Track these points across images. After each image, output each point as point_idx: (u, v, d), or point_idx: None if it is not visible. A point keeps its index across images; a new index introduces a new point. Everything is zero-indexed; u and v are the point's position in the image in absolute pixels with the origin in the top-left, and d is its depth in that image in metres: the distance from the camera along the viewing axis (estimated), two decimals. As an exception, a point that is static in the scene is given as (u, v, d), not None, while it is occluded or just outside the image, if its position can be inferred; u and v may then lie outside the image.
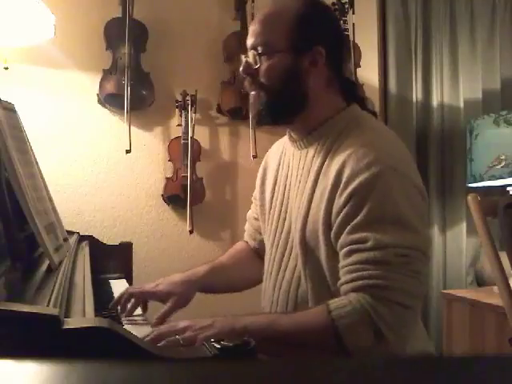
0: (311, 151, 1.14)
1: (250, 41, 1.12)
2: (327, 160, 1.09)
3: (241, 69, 1.13)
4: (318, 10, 1.14)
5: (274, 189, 1.25)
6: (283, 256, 1.18)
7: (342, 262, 1.01)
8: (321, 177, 1.09)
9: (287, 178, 1.21)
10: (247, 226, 1.43)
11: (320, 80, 1.11)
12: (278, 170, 1.26)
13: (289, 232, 1.16)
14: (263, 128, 2.59)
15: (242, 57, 1.14)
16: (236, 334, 0.93)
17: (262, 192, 1.31)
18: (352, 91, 1.19)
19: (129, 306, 1.18)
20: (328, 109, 1.13)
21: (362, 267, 0.97)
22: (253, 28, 1.12)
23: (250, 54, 1.11)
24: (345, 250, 1.00)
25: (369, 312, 0.94)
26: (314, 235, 1.08)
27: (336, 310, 0.95)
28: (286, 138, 1.26)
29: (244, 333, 0.94)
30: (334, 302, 0.97)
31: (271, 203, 1.25)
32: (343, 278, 1.00)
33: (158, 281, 1.23)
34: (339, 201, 1.02)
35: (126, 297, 1.19)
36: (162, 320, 1.14)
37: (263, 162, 1.36)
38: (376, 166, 0.99)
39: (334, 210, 1.03)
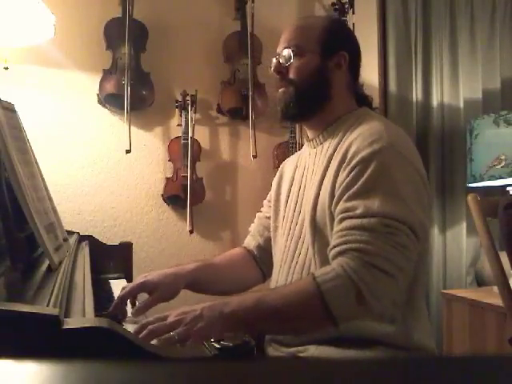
0: (325, 146, 1.22)
1: (281, 46, 1.25)
2: (338, 147, 1.17)
3: (272, 68, 1.25)
4: (342, 25, 1.34)
5: (290, 189, 1.32)
6: (297, 245, 1.23)
7: (334, 229, 1.07)
8: (332, 162, 1.16)
9: (303, 177, 1.28)
10: (255, 225, 1.46)
11: (342, 81, 1.24)
12: (294, 172, 1.34)
13: (303, 222, 1.21)
14: (263, 128, 2.59)
15: (273, 59, 1.26)
16: (226, 318, 0.95)
17: (278, 194, 1.38)
18: (363, 100, 1.30)
19: (127, 308, 1.18)
20: (343, 108, 1.24)
21: (348, 232, 1.02)
22: (285, 35, 1.25)
23: (284, 52, 1.23)
24: (338, 217, 1.07)
25: (350, 275, 0.97)
26: (322, 214, 1.14)
27: (320, 277, 0.99)
28: (301, 150, 1.37)
29: (233, 316, 0.96)
30: (319, 271, 1.03)
31: (287, 201, 1.31)
32: (332, 243, 1.06)
33: (147, 273, 1.23)
34: (342, 174, 1.09)
35: (120, 302, 1.17)
36: (143, 311, 1.14)
37: (279, 170, 1.45)
38: (378, 144, 1.07)
39: (338, 183, 1.10)
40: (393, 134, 1.12)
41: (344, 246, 1.01)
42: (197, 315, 0.95)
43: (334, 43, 1.22)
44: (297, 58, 1.21)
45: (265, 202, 1.46)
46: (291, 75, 1.22)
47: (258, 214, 1.47)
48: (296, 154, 1.44)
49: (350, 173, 1.08)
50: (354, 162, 1.08)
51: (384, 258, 0.98)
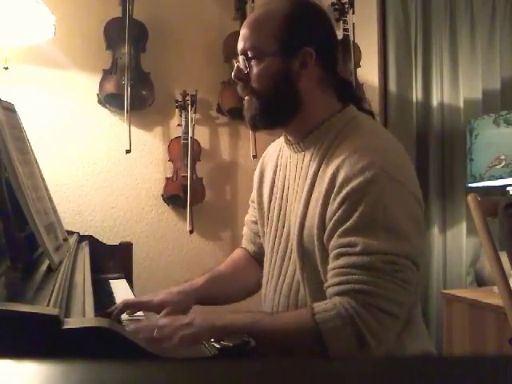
0: (308, 155, 1.13)
1: (240, 45, 1.11)
2: (323, 164, 1.08)
3: (232, 74, 1.12)
4: (307, 10, 1.12)
5: (271, 192, 1.24)
6: (283, 260, 1.17)
7: (330, 265, 1.01)
8: (317, 181, 1.08)
9: (285, 181, 1.20)
10: (245, 231, 1.40)
11: (312, 81, 1.10)
12: (275, 172, 1.25)
13: (288, 236, 1.15)
14: (263, 128, 2.59)
15: (234, 62, 1.13)
16: (216, 332, 0.92)
17: (260, 195, 1.29)
18: (348, 91, 1.18)
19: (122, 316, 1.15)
20: (323, 110, 1.12)
21: (349, 271, 0.96)
22: (242, 32, 1.11)
23: (240, 58, 1.10)
24: (334, 252, 1.00)
25: (353, 317, 0.93)
26: (310, 240, 1.07)
27: (320, 314, 0.95)
28: (282, 139, 1.25)
29: (224, 332, 0.93)
30: (318, 306, 0.97)
31: (269, 206, 1.24)
32: (330, 281, 1.00)
33: (155, 292, 1.20)
34: (333, 205, 1.01)
35: (120, 308, 1.14)
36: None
37: (259, 164, 1.35)
38: (370, 171, 0.98)
39: (328, 215, 1.02)
40: (384, 154, 1.03)
41: (345, 286, 0.96)
42: (187, 322, 0.93)
43: (295, 39, 1.07)
44: (256, 62, 1.08)
45: (250, 202, 1.37)
46: (252, 83, 1.09)
47: (246, 219, 1.40)
48: (276, 144, 1.31)
49: (341, 204, 0.99)
50: (344, 191, 0.99)
51: (387, 299, 0.95)
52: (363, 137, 1.06)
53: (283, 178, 1.21)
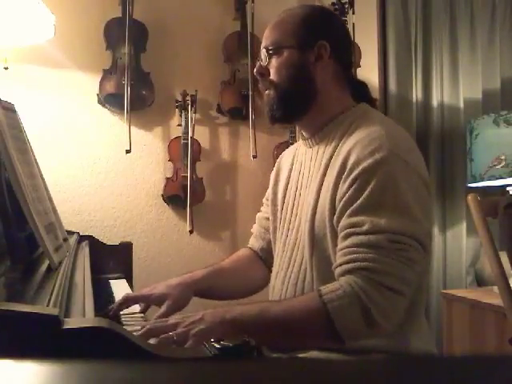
0: (321, 148, 1.17)
1: (262, 45, 1.20)
2: (335, 152, 1.11)
3: (254, 71, 1.20)
4: (321, 12, 1.22)
5: (286, 188, 1.28)
6: (293, 251, 1.19)
7: (339, 245, 1.03)
8: (329, 169, 1.11)
9: (299, 176, 1.24)
10: (255, 227, 1.42)
11: (327, 74, 1.16)
12: (290, 170, 1.29)
13: (299, 227, 1.18)
14: (263, 128, 2.59)
15: (256, 62, 1.21)
16: (227, 325, 0.93)
17: (275, 193, 1.32)
18: (362, 92, 1.23)
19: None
20: (337, 105, 1.17)
21: (355, 250, 0.98)
22: (264, 34, 1.20)
23: (262, 53, 1.18)
24: (343, 233, 1.02)
25: (359, 294, 0.94)
26: (321, 224, 1.10)
27: (327, 294, 0.95)
28: (299, 143, 1.30)
29: (234, 323, 0.93)
30: (325, 287, 0.98)
31: (283, 202, 1.27)
32: (338, 261, 1.02)
33: (154, 284, 1.21)
34: (343, 187, 1.04)
35: (120, 302, 1.15)
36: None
37: (276, 165, 1.39)
38: (379, 153, 1.01)
39: (338, 196, 1.05)
40: (394, 138, 1.06)
41: (352, 265, 0.97)
42: (197, 319, 0.94)
43: (311, 34, 1.15)
44: (275, 57, 1.15)
45: (264, 200, 1.41)
46: (271, 76, 1.16)
47: (257, 215, 1.43)
48: (293, 147, 1.37)
49: (351, 185, 1.02)
50: (354, 173, 1.02)
51: (393, 276, 0.95)
52: (374, 125, 1.09)
53: (297, 174, 1.25)
